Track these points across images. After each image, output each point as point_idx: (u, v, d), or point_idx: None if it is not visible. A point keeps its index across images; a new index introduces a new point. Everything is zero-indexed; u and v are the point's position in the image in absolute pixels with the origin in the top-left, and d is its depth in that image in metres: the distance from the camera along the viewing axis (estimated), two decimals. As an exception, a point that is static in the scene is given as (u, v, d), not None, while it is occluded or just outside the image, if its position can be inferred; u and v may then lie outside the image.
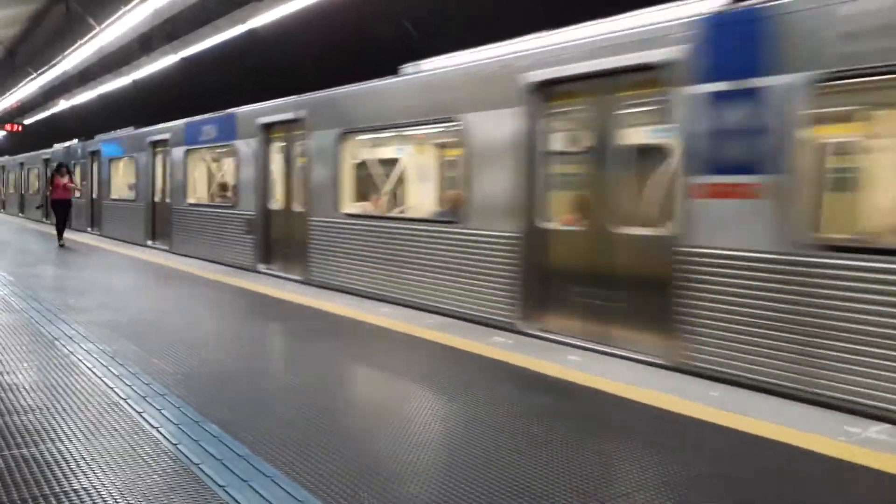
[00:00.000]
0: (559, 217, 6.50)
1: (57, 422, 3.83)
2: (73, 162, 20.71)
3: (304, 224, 9.60)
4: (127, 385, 4.55)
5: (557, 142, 6.56)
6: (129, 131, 17.25)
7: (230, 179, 12.73)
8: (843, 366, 4.35)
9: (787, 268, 4.63)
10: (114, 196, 18.06)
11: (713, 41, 5.11)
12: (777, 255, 4.68)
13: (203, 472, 3.19)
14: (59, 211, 15.19)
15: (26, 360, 5.17)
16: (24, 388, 4.47)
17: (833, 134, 5.80)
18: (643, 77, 5.58)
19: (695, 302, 5.12)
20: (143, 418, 3.92)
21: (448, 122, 7.44)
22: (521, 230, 6.49)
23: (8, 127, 33.79)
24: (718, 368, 4.93)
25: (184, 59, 18.03)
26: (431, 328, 6.43)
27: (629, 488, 3.11)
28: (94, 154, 19.42)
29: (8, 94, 33.22)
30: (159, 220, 15.00)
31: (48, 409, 4.06)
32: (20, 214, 27.51)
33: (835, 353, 4.39)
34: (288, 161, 10.40)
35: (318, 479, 3.14)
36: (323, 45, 13.90)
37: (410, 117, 8.08)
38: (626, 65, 5.65)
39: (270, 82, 14.74)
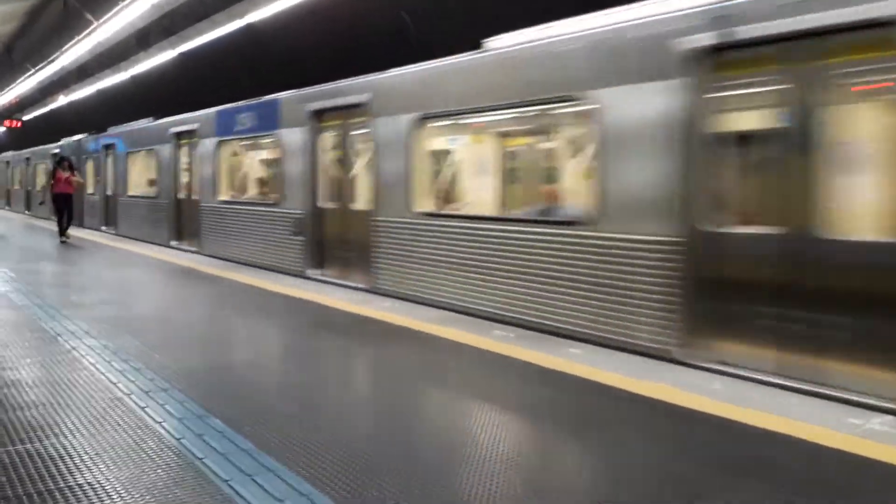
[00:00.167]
0: (735, 216, 5.18)
1: (60, 417, 3.84)
2: (84, 156, 19.90)
3: (368, 225, 8.40)
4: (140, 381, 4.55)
5: (737, 121, 5.23)
6: (147, 122, 16.05)
7: (272, 174, 11.51)
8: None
9: None
10: (131, 193, 16.78)
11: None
12: None
13: (207, 466, 3.20)
14: (61, 205, 14.95)
15: (29, 357, 5.17)
16: (28, 383, 4.47)
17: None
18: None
19: None
20: (147, 413, 3.92)
21: (567, 101, 6.24)
22: (680, 233, 5.23)
23: (7, 123, 33.72)
24: None
25: (182, 55, 17.96)
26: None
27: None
28: (109, 148, 18.24)
29: (6, 90, 33.14)
30: (185, 219, 13.75)
31: (51, 404, 4.06)
32: (27, 212, 26.62)
33: None
34: (345, 153, 9.24)
35: (322, 473, 3.15)
36: (321, 38, 13.82)
37: (507, 98, 6.77)
38: (857, 20, 4.34)
39: (269, 77, 14.70)
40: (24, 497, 2.89)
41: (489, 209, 8.23)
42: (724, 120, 5.11)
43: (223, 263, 10.98)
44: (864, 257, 4.42)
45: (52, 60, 23.52)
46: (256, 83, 13.86)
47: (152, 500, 2.86)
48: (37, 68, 26.22)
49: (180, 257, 11.95)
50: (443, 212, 7.98)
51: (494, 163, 8.51)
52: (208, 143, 12.52)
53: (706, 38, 5.02)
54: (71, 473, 3.11)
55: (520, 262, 6.53)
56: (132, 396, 4.22)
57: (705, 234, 5.10)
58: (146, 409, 3.98)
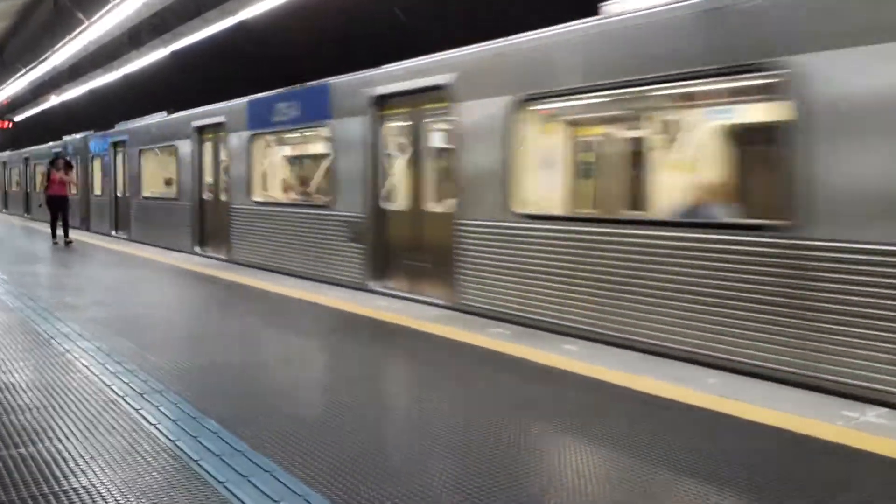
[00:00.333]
0: None
1: (54, 420, 3.82)
2: (91, 155, 18.79)
3: (449, 230, 7.17)
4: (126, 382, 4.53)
5: None
6: (161, 116, 14.82)
7: (321, 172, 10.12)
8: None
9: None
10: (146, 194, 15.30)
11: None
12: None
13: (202, 468, 3.18)
14: (56, 208, 14.47)
15: (22, 360, 5.15)
16: (21, 386, 4.45)
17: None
18: None
19: None
20: (141, 415, 3.90)
21: (752, 70, 4.84)
22: None
23: (-2, 124, 33.59)
24: None
25: (174, 53, 17.87)
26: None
27: None
28: (118, 145, 16.85)
29: (-3, 90, 32.99)
30: (210, 223, 12.37)
31: (45, 407, 4.04)
32: (26, 215, 25.02)
33: None
34: (417, 145, 7.92)
35: (317, 474, 3.14)
36: (314, 34, 13.76)
37: (654, 70, 5.41)
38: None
39: (260, 73, 14.63)
40: (19, 502, 2.87)
41: (621, 210, 6.52)
42: None
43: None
44: None
45: (44, 60, 23.41)
46: (249, 81, 13.76)
47: (148, 502, 2.84)
48: (28, 68, 26.10)
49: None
50: (556, 213, 6.52)
51: (627, 152, 6.68)
52: (238, 138, 11.13)
53: None
54: (66, 477, 3.09)
55: (672, 277, 5.20)
56: (127, 398, 4.21)
57: None
58: (140, 412, 3.97)
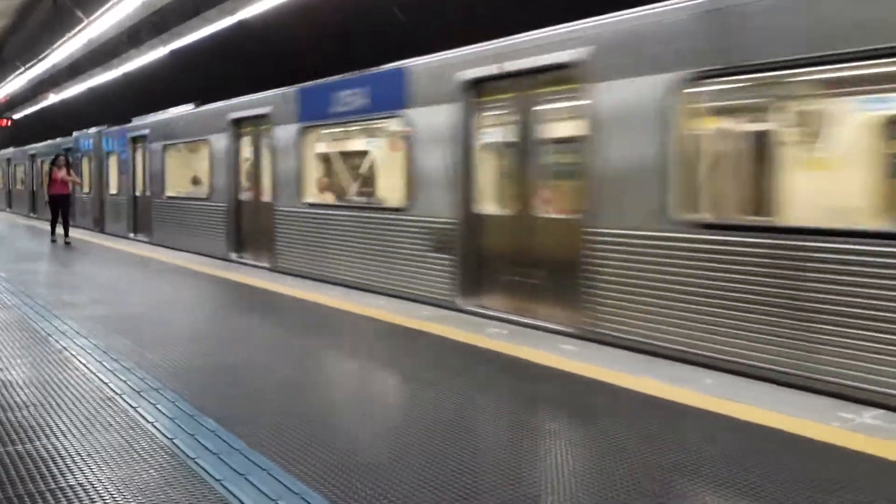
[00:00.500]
0: None
1: (52, 417, 3.82)
2: (106, 151, 17.62)
3: (573, 240, 5.91)
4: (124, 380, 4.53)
5: None
6: (188, 109, 13.58)
7: (393, 170, 8.60)
8: None
9: None
10: (171, 193, 13.96)
11: None
12: None
13: (199, 466, 3.18)
14: (58, 207, 14.36)
15: (19, 357, 5.14)
16: (18, 384, 4.45)
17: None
18: None
19: None
20: (139, 413, 3.90)
21: None
22: None
23: (-3, 122, 33.55)
24: None
25: (173, 52, 17.87)
26: None
27: None
28: (138, 140, 15.55)
29: (-4, 88, 32.97)
30: (249, 227, 11.13)
31: (42, 405, 4.04)
32: (31, 214, 23.92)
33: None
34: (525, 137, 6.59)
35: (315, 471, 3.14)
36: (315, 29, 13.68)
37: None
38: None
39: (261, 71, 14.60)
40: (16, 499, 2.87)
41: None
42: None
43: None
44: None
45: (43, 58, 23.40)
46: (249, 79, 13.72)
47: (145, 500, 2.85)
48: (27, 66, 26.08)
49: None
50: (749, 222, 5.15)
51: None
52: (286, 131, 9.88)
53: None
54: (62, 474, 3.09)
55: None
56: (124, 396, 4.21)
57: None
58: (138, 409, 3.97)
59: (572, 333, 5.80)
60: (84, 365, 4.89)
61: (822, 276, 4.41)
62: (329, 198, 9.94)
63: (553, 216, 6.50)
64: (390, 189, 8.77)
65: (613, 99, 5.62)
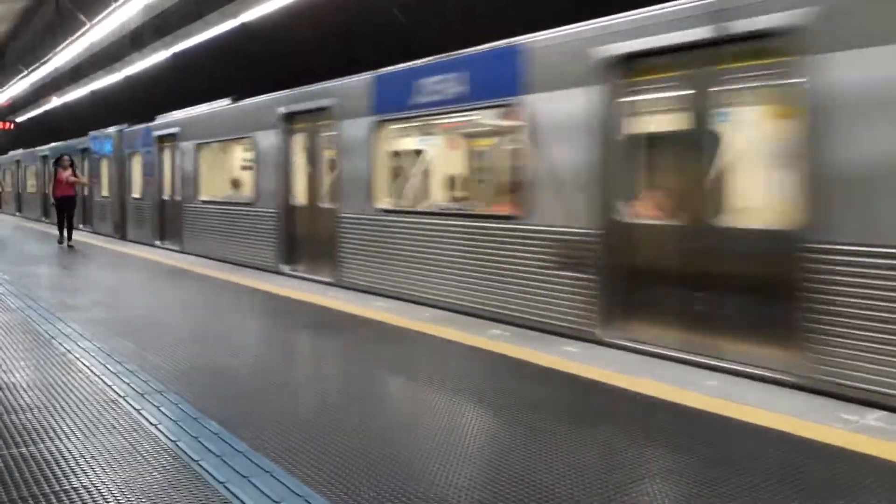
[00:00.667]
0: None
1: (55, 420, 3.82)
2: (128, 151, 16.26)
3: (789, 259, 4.61)
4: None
5: None
6: (224, 104, 12.27)
7: (500, 170, 7.72)
8: None
9: None
10: (205, 197, 12.53)
11: None
12: None
13: (203, 468, 3.19)
14: (63, 209, 14.15)
15: (23, 359, 5.15)
16: (22, 386, 4.45)
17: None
18: None
19: None
20: (142, 415, 3.91)
21: None
22: None
23: (0, 125, 33.61)
24: None
25: (175, 55, 17.89)
26: None
27: None
28: (165, 139, 14.23)
29: (-1, 91, 33.07)
30: (304, 235, 9.84)
31: (46, 407, 4.05)
32: (44, 218, 22.57)
33: None
34: (702, 123, 5.22)
35: (318, 474, 3.14)
36: (320, 30, 13.66)
37: None
38: None
39: (264, 72, 14.61)
40: (20, 501, 2.87)
41: None
42: None
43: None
44: None
45: (46, 62, 23.47)
46: (253, 80, 13.70)
47: (148, 502, 2.85)
48: (30, 70, 26.16)
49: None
50: None
51: None
52: (356, 126, 8.55)
53: None
54: (66, 477, 3.10)
55: None
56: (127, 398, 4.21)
57: None
58: (141, 412, 3.97)
59: (793, 383, 4.48)
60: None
61: None
62: (412, 203, 8.62)
63: (751, 227, 5.04)
64: (497, 193, 7.67)
65: (856, 74, 4.30)
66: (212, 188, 12.68)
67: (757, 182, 5.32)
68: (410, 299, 7.56)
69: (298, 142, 10.03)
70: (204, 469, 3.18)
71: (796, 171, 4.62)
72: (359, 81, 8.62)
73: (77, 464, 3.23)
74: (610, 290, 5.71)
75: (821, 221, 4.46)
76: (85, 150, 18.96)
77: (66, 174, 14.28)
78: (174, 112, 14.21)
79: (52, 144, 22.85)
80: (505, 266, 6.63)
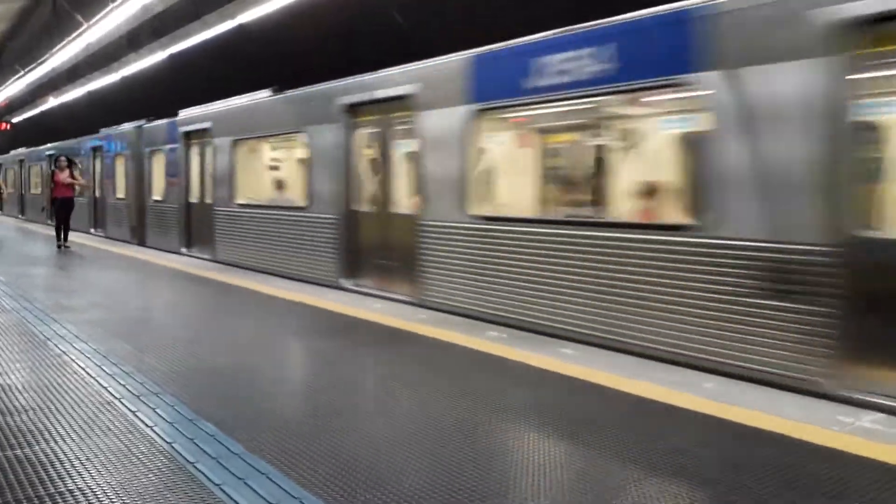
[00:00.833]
0: None
1: (51, 422, 3.81)
2: (148, 149, 14.89)
3: None
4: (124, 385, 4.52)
5: None
6: (264, 96, 10.89)
7: (661, 166, 6.44)
8: None
9: None
10: (242, 200, 11.21)
11: None
12: None
13: (199, 470, 3.18)
14: (62, 211, 13.98)
15: (19, 361, 5.14)
16: (17, 388, 4.44)
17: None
18: None
19: None
20: (138, 417, 3.90)
21: None
22: None
23: (-3, 125, 33.58)
24: None
25: (172, 56, 17.87)
26: None
27: None
28: (193, 136, 12.90)
29: (-4, 92, 33.00)
30: (371, 246, 8.51)
31: (41, 409, 4.04)
32: (49, 221, 18.68)
33: None
34: None
35: (314, 476, 3.14)
36: (321, 29, 13.63)
37: None
38: None
39: (259, 75, 14.60)
40: (14, 503, 2.87)
41: None
42: None
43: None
44: None
45: (42, 62, 23.44)
46: (252, 80, 13.64)
47: (143, 505, 2.84)
48: (26, 70, 26.13)
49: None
50: None
51: None
52: (444, 118, 7.27)
53: None
54: (61, 479, 3.09)
55: None
56: (123, 400, 4.20)
57: None
58: (138, 413, 3.97)
59: None
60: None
61: None
62: (526, 209, 7.24)
63: None
64: (648, 197, 6.29)
65: None
66: (251, 190, 11.36)
67: None
68: (521, 326, 6.31)
69: (364, 137, 8.76)
70: (200, 471, 3.17)
71: None
72: (450, 64, 7.29)
73: (72, 466, 3.22)
74: (850, 327, 4.34)
75: None
76: (97, 149, 17.89)
77: (64, 175, 14.15)
78: (203, 106, 12.77)
79: (60, 143, 21.86)
80: (671, 290, 5.24)
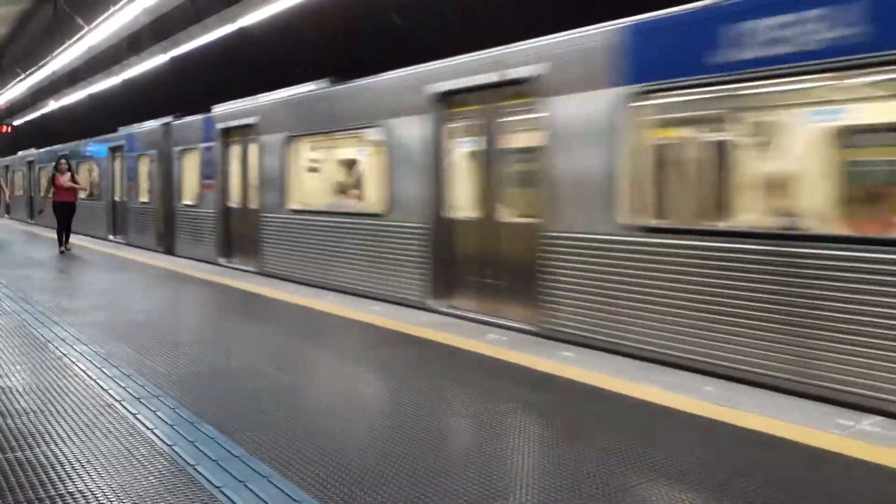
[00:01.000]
0: None
1: (51, 424, 3.82)
2: (179, 148, 13.42)
3: None
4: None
5: None
6: (320, 86, 9.60)
7: None
8: None
9: None
10: (295, 206, 9.88)
11: None
12: None
13: (199, 473, 3.18)
14: (62, 215, 13.87)
15: (19, 363, 5.14)
16: (18, 390, 4.45)
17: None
18: None
19: None
20: (138, 420, 3.90)
21: None
22: None
23: (-2, 128, 33.58)
24: None
25: (173, 59, 17.88)
26: None
27: None
28: (233, 133, 11.57)
29: (-3, 95, 33.02)
30: (468, 259, 7.20)
31: (42, 411, 4.04)
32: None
33: None
34: None
35: (314, 479, 3.14)
36: (325, 30, 13.60)
37: None
38: None
39: (260, 79, 14.60)
40: (15, 505, 2.87)
41: None
42: None
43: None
44: None
45: (43, 65, 23.46)
46: (253, 84, 13.62)
47: (144, 507, 2.84)
48: (27, 73, 26.15)
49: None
50: None
51: None
52: (583, 103, 5.90)
53: None
54: (62, 481, 3.09)
55: None
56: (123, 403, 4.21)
57: None
58: (138, 416, 3.97)
59: None
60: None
61: None
62: (701, 218, 5.64)
63: None
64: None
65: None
66: (309, 194, 10.06)
67: None
68: (685, 365, 5.05)
69: (461, 130, 7.43)
70: (200, 473, 3.17)
71: None
72: (597, 34, 5.85)
73: (73, 468, 3.22)
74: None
75: None
76: (116, 149, 16.57)
77: (65, 179, 14.08)
78: (246, 99, 11.44)
79: (73, 143, 20.66)
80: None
